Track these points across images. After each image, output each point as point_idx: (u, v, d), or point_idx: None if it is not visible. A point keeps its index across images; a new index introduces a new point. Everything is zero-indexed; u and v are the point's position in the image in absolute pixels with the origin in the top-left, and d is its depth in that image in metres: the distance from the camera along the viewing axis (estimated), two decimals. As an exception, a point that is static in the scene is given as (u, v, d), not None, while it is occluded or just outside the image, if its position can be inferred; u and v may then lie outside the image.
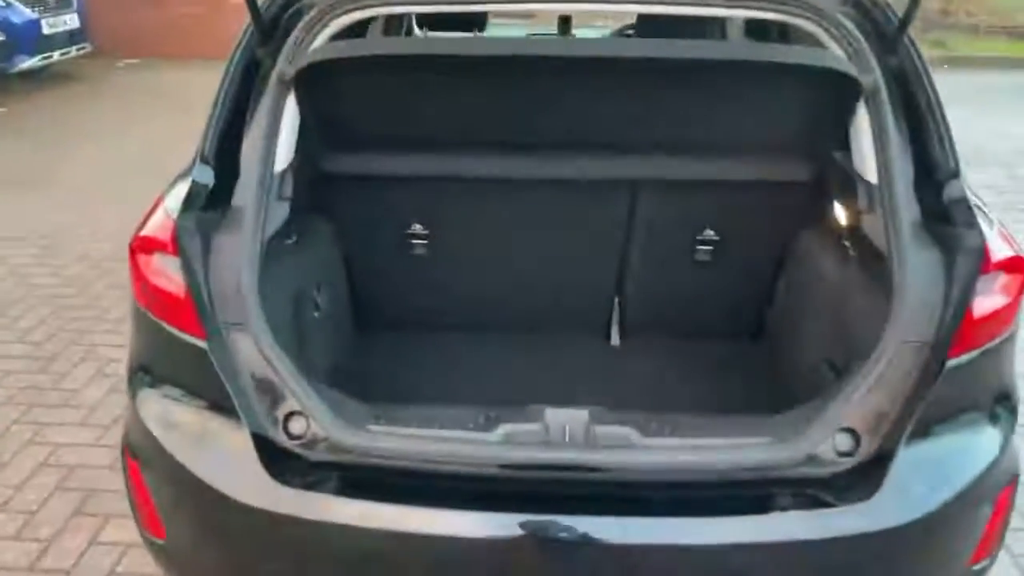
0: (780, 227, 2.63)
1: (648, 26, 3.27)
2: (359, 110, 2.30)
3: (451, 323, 2.94)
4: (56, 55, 9.77)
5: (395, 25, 3.78)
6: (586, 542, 1.74)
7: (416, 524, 1.79)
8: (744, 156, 2.42)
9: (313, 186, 2.42)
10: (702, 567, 1.80)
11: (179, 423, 1.93)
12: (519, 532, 1.74)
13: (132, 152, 7.16)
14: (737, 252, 2.69)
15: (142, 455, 1.98)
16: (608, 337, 2.97)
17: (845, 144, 2.22)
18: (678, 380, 2.72)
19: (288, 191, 2.08)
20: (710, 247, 2.69)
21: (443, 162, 2.46)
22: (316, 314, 2.41)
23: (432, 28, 4.13)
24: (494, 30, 4.09)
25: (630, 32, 4.08)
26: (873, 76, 2.01)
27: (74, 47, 10.07)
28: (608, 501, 1.81)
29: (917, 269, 1.86)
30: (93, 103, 9.29)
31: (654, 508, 1.82)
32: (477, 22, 4.02)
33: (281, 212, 2.07)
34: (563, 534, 1.73)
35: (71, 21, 9.93)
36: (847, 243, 2.24)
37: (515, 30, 4.21)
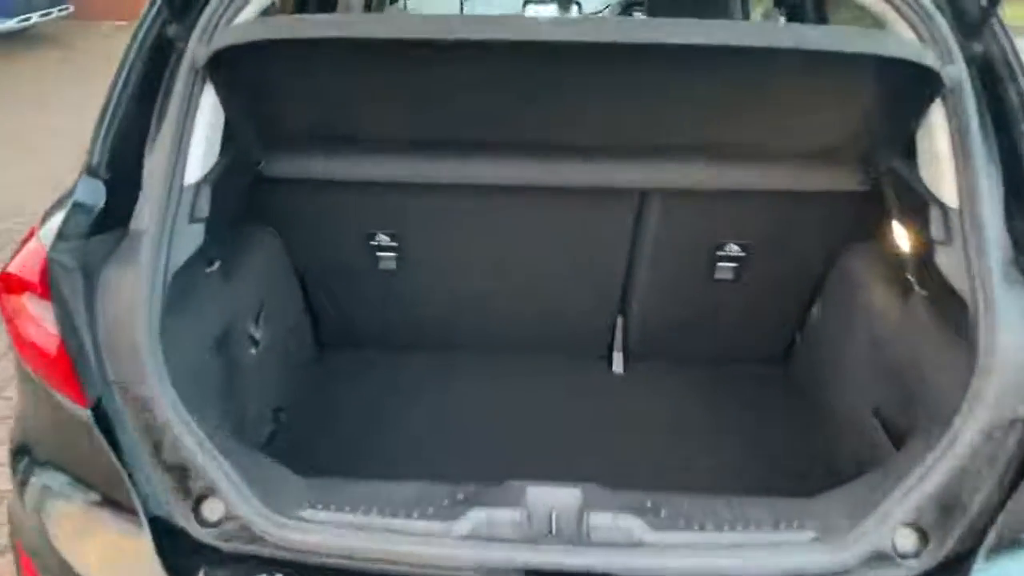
0: (820, 242, 2.19)
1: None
2: (299, 102, 1.85)
3: (425, 343, 2.54)
4: (35, 17, 9.28)
5: None
6: None
7: None
8: (781, 161, 1.97)
9: (251, 194, 1.99)
10: None
11: (64, 514, 1.54)
12: None
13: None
14: (766, 269, 2.26)
15: (29, 549, 1.59)
16: (610, 363, 2.55)
17: (907, 149, 1.77)
18: (692, 421, 2.32)
19: (204, 208, 1.65)
20: (734, 263, 2.25)
21: (413, 165, 2.01)
22: (253, 351, 1.99)
23: None
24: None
25: (638, 5, 3.56)
26: (956, 68, 1.55)
27: (55, 9, 9.59)
28: None
29: (1011, 325, 1.43)
30: (73, 69, 8.80)
31: None
32: None
33: (194, 235, 1.64)
34: None
35: (52, -19, 9.48)
36: (911, 275, 1.79)
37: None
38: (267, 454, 1.76)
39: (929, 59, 1.52)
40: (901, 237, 1.83)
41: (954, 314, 1.59)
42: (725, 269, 2.27)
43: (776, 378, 2.50)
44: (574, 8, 3.06)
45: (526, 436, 2.22)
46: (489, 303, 2.43)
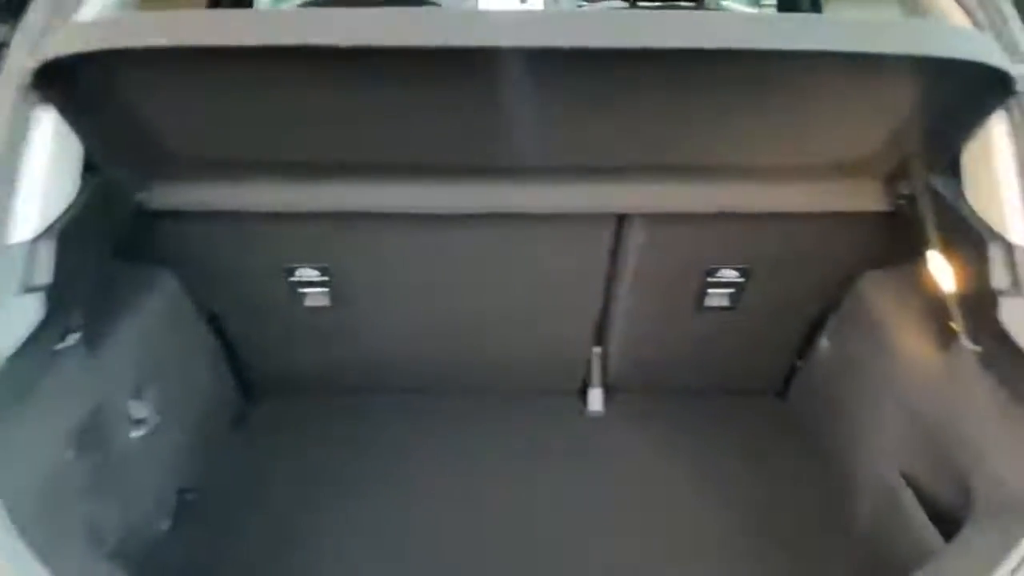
0: (831, 267, 1.84)
1: None
2: (187, 121, 1.44)
3: (369, 388, 2.17)
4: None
5: None
6: None
7: None
8: (790, 179, 1.60)
9: (133, 232, 1.58)
10: None
11: None
12: None
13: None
14: (766, 295, 1.90)
15: None
16: (585, 401, 2.20)
17: (950, 166, 1.41)
18: (681, 467, 2.00)
19: (43, 272, 1.24)
20: (729, 289, 1.89)
21: (337, 191, 1.61)
22: (136, 433, 1.59)
23: None
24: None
25: None
26: None
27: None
28: None
29: None
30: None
31: None
32: None
33: (26, 310, 1.23)
34: None
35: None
36: (958, 324, 1.43)
37: None
38: (170, 548, 1.47)
39: (997, 57, 1.15)
40: (941, 273, 1.47)
41: (1020, 381, 1.25)
42: (718, 296, 1.91)
43: (772, 414, 2.17)
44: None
45: (495, 506, 1.88)
46: (443, 340, 2.06)
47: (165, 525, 1.71)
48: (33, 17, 1.22)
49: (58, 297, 1.28)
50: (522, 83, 1.31)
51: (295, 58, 1.18)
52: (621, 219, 1.73)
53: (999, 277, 1.24)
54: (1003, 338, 1.25)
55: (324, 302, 1.92)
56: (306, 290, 1.89)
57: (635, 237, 1.76)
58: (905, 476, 1.59)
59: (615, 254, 1.82)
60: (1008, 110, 1.23)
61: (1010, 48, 1.19)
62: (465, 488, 1.94)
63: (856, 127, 1.45)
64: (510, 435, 2.10)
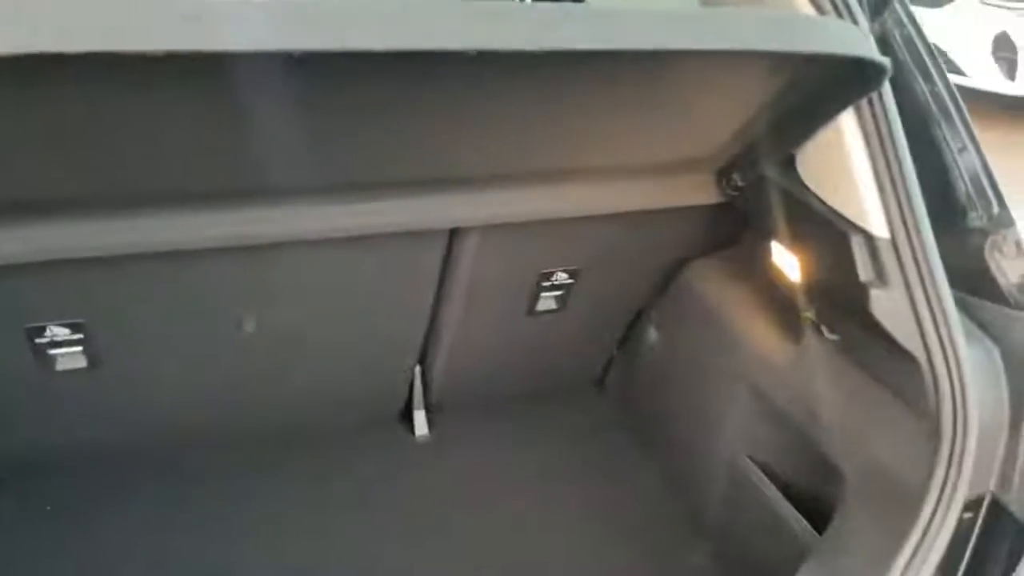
0: (656, 259, 1.82)
1: None
2: None
3: (143, 456, 1.77)
4: None
5: None
6: None
7: None
8: (621, 180, 1.51)
9: None
10: None
11: None
12: None
13: None
14: (592, 293, 1.84)
15: None
16: (411, 425, 2.00)
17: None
18: (516, 482, 1.92)
19: None
20: (559, 291, 1.80)
21: (82, 231, 1.22)
22: None
23: None
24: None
25: None
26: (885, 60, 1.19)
27: None
28: None
29: (978, 386, 1.16)
30: None
31: None
32: None
33: None
34: None
35: None
36: (813, 314, 1.46)
37: None
38: None
39: (871, 50, 1.12)
40: (785, 264, 1.49)
41: (889, 368, 1.29)
42: (549, 299, 1.81)
43: (596, 408, 2.14)
44: None
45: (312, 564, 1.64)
46: (233, 386, 1.73)
47: None
48: None
49: None
50: (328, 92, 1.06)
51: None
52: (453, 233, 1.54)
53: (865, 270, 1.25)
54: (865, 326, 1.28)
55: (80, 363, 1.50)
56: (57, 351, 1.46)
57: (468, 250, 1.58)
58: (757, 463, 1.62)
59: (445, 269, 1.63)
60: (857, 104, 1.24)
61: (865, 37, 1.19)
62: (285, 547, 1.67)
63: (703, 125, 1.39)
64: (323, 477, 1.84)
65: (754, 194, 1.51)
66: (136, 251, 1.28)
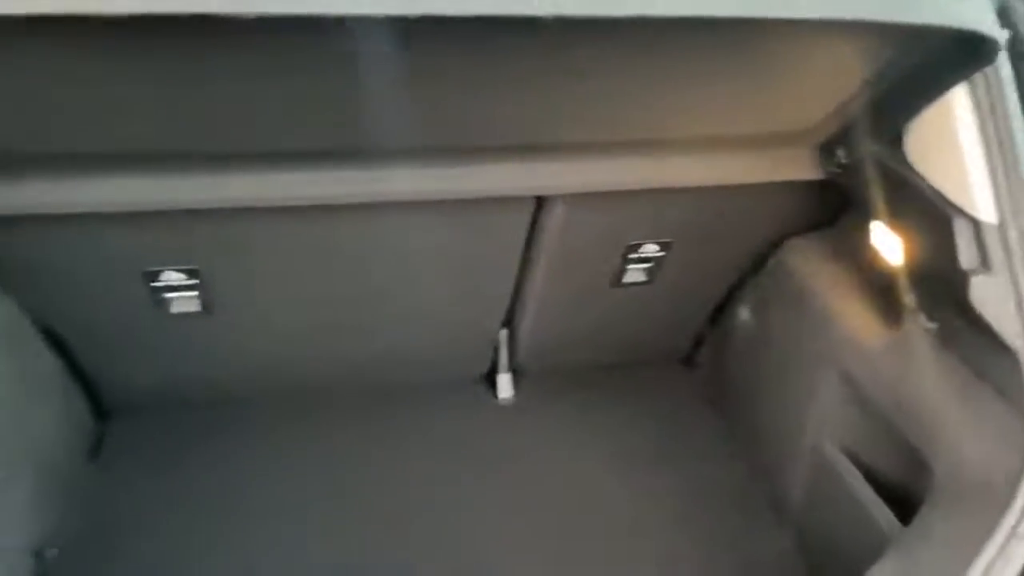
0: (752, 235, 1.77)
1: None
2: (9, 107, 1.09)
3: (251, 398, 1.90)
4: None
5: None
6: None
7: None
8: (723, 152, 1.48)
9: None
10: None
11: None
12: None
13: None
14: (685, 267, 1.81)
15: None
16: (494, 388, 2.04)
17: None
18: (596, 448, 1.93)
19: None
20: (648, 264, 1.78)
21: (201, 184, 1.31)
22: None
23: None
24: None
25: None
26: (1002, 35, 1.11)
27: None
28: None
29: None
30: None
31: None
32: None
33: None
34: None
35: None
36: (914, 301, 1.39)
37: None
38: None
39: (989, 24, 1.06)
40: (886, 246, 1.42)
41: (986, 360, 1.22)
42: (636, 271, 1.80)
43: (682, 384, 2.13)
44: None
45: (398, 512, 1.72)
46: (334, 338, 1.81)
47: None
48: None
49: None
50: (427, 60, 1.08)
51: (135, 28, 0.87)
52: (540, 201, 1.56)
53: (967, 256, 1.19)
54: (965, 315, 1.22)
55: (194, 307, 1.61)
56: (172, 295, 1.58)
57: (555, 218, 1.59)
58: (843, 450, 1.57)
59: (531, 236, 1.65)
60: (970, 80, 1.17)
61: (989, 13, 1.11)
62: (366, 492, 1.76)
63: (804, 97, 1.34)
64: (414, 431, 1.92)
65: (858, 172, 1.44)
66: (246, 205, 1.36)
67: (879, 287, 1.49)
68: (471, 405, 2.02)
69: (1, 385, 1.38)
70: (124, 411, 1.86)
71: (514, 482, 1.84)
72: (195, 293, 1.58)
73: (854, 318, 1.55)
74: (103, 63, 1.01)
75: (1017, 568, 1.10)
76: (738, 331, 1.95)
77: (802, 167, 1.52)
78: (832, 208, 1.65)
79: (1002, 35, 1.04)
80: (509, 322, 1.95)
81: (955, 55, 1.11)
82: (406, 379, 1.98)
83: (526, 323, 1.92)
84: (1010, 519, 1.11)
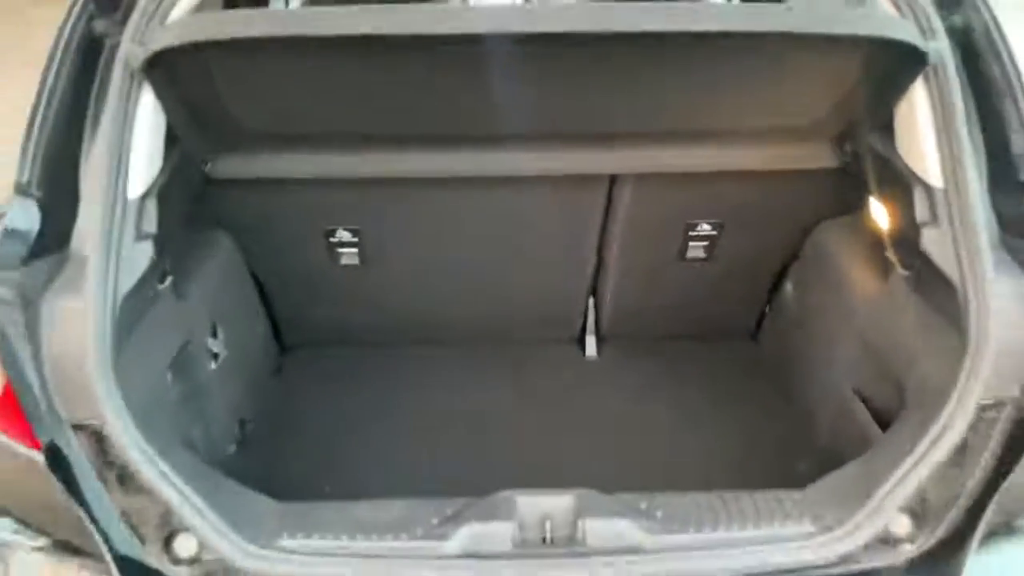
0: (792, 218, 2.15)
1: None
2: (246, 100, 1.71)
3: (393, 339, 2.46)
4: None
5: None
6: None
7: None
8: (754, 142, 1.90)
9: (197, 197, 1.85)
10: None
11: (25, 567, 1.43)
12: None
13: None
14: (737, 246, 2.22)
15: None
16: (583, 347, 2.50)
17: (886, 126, 1.72)
18: (669, 403, 2.30)
19: (151, 222, 1.52)
20: (705, 241, 2.20)
21: (369, 158, 1.89)
22: (212, 365, 1.87)
23: None
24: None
25: None
26: (939, 44, 1.50)
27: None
28: None
29: (1002, 309, 1.41)
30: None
31: None
32: None
33: (142, 253, 1.51)
34: None
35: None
36: (892, 255, 1.76)
37: None
38: (235, 469, 1.69)
39: (913, 36, 1.47)
40: (880, 216, 1.79)
41: (940, 296, 1.56)
42: (697, 248, 2.22)
43: (748, 355, 2.48)
44: None
45: (506, 436, 2.17)
46: (457, 295, 2.35)
47: (231, 449, 1.98)
48: (139, 15, 1.48)
49: (159, 246, 1.56)
50: (530, 66, 1.62)
51: (341, 46, 1.46)
52: (612, 180, 2.03)
53: (921, 212, 1.56)
54: (928, 263, 1.57)
55: (355, 261, 2.20)
56: (342, 250, 2.17)
57: (625, 196, 2.06)
58: (858, 392, 1.91)
59: (607, 212, 2.12)
60: (927, 78, 1.55)
61: (926, 29, 1.51)
62: (476, 417, 2.22)
63: (809, 96, 1.76)
64: (517, 379, 2.39)
65: (864, 159, 1.83)
66: (401, 175, 1.91)
67: (878, 252, 1.84)
68: (562, 359, 2.48)
69: (225, 299, 2.00)
70: (298, 347, 2.47)
71: (590, 424, 2.23)
72: (356, 249, 2.17)
73: (867, 283, 1.90)
74: (325, 72, 1.61)
75: (944, 453, 1.42)
76: (786, 306, 2.31)
77: (820, 157, 1.92)
78: (857, 194, 2.02)
79: (927, 46, 1.43)
80: (595, 291, 2.41)
81: (900, 62, 1.51)
82: (510, 334, 2.47)
83: (609, 292, 2.37)
84: (944, 417, 1.43)
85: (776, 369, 2.37)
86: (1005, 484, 1.41)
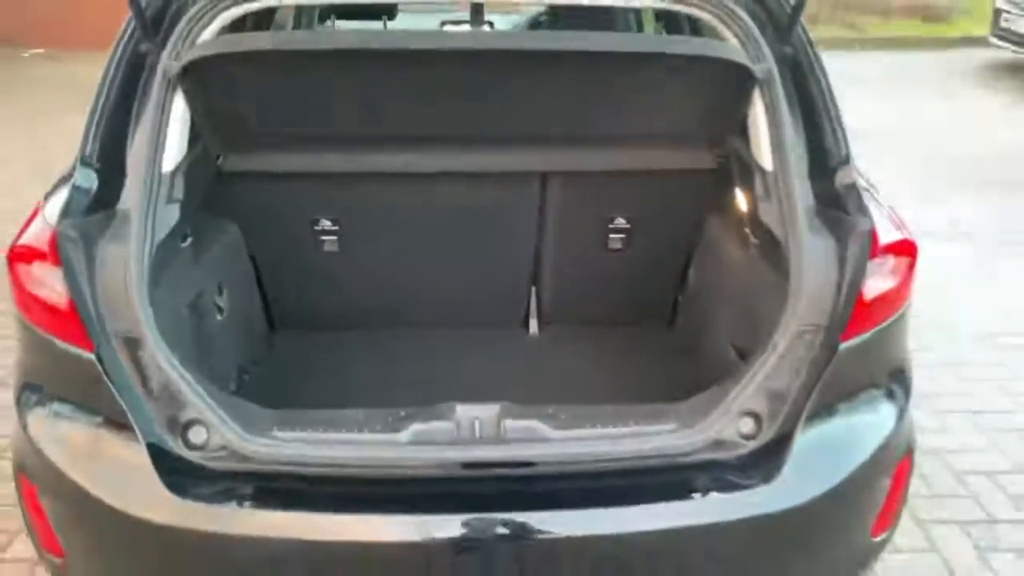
0: (688, 214, 2.66)
1: (558, 16, 3.24)
2: (253, 106, 2.23)
3: (366, 319, 2.91)
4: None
5: (305, 13, 3.68)
6: (504, 538, 1.75)
7: (325, 531, 1.76)
8: (649, 145, 2.43)
9: (211, 185, 2.34)
10: (612, 553, 1.82)
11: (71, 440, 1.86)
12: (436, 534, 1.74)
13: (32, 149, 6.81)
14: (648, 239, 2.72)
15: (35, 475, 1.89)
16: (527, 327, 2.97)
17: (745, 132, 2.25)
18: (593, 368, 2.74)
19: (179, 192, 2.01)
20: (622, 235, 2.71)
21: (348, 157, 2.40)
22: (219, 317, 2.34)
23: (340, 17, 4.03)
24: (405, 16, 4.00)
25: (542, 20, 4.06)
26: (766, 65, 2.04)
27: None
28: (525, 497, 1.81)
29: (811, 255, 1.90)
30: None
31: (568, 500, 1.82)
32: (386, 10, 3.93)
33: (171, 214, 1.99)
34: (480, 534, 1.74)
35: (-32, 8, 9.45)
36: (748, 230, 2.27)
37: (426, 18, 4.13)
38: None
39: (742, 58, 2.01)
40: (741, 202, 2.32)
41: (774, 255, 2.06)
42: (616, 240, 2.72)
43: (665, 334, 2.94)
44: (486, 26, 3.51)
45: (457, 387, 2.60)
46: (420, 283, 2.81)
47: (232, 388, 2.42)
48: (176, 38, 2.00)
49: (182, 212, 2.04)
50: (480, 78, 2.16)
51: (335, 61, 1.99)
52: (544, 180, 2.55)
53: (759, 189, 2.07)
54: (766, 230, 2.08)
55: (335, 248, 2.68)
56: (324, 238, 2.65)
57: (555, 194, 2.57)
58: (732, 344, 2.37)
59: (542, 209, 2.63)
60: (761, 91, 2.07)
61: (755, 54, 2.04)
62: (431, 377, 2.58)
63: (679, 108, 2.29)
64: (467, 349, 2.81)
65: (731, 159, 2.35)
66: (371, 171, 2.41)
67: (744, 231, 2.35)
68: (508, 334, 2.94)
69: (232, 274, 2.47)
70: (284, 328, 2.90)
71: (523, 380, 2.60)
72: (336, 237, 2.65)
73: (735, 258, 2.39)
74: (320, 82, 2.14)
75: (769, 368, 1.86)
76: (691, 293, 2.80)
77: (699, 159, 2.45)
78: (732, 191, 2.52)
79: (754, 67, 1.97)
80: (536, 281, 2.89)
81: (738, 80, 2.05)
82: (466, 318, 2.91)
83: (547, 281, 2.85)
84: (774, 340, 1.89)
85: (687, 350, 2.81)
86: (818, 387, 1.87)
